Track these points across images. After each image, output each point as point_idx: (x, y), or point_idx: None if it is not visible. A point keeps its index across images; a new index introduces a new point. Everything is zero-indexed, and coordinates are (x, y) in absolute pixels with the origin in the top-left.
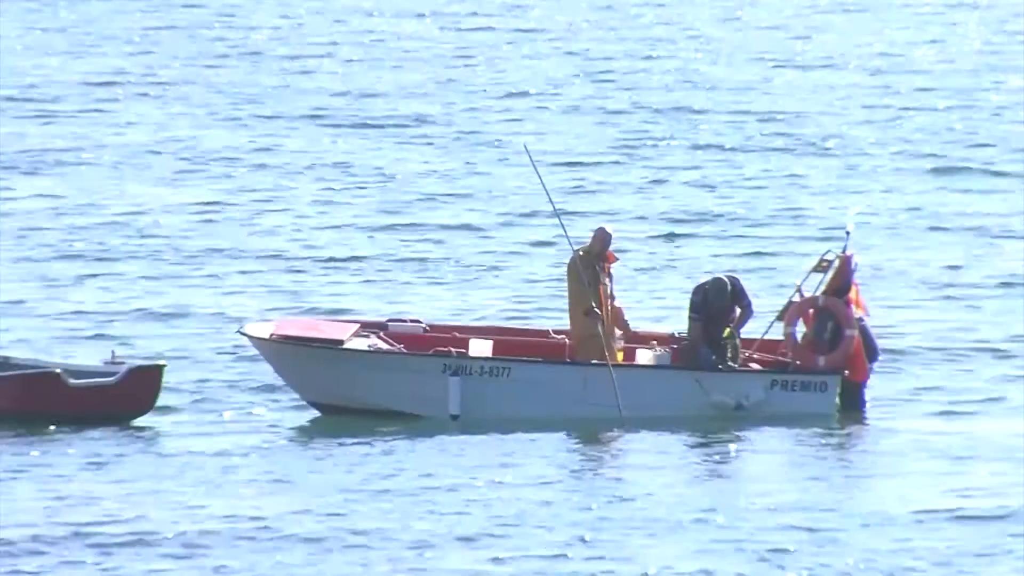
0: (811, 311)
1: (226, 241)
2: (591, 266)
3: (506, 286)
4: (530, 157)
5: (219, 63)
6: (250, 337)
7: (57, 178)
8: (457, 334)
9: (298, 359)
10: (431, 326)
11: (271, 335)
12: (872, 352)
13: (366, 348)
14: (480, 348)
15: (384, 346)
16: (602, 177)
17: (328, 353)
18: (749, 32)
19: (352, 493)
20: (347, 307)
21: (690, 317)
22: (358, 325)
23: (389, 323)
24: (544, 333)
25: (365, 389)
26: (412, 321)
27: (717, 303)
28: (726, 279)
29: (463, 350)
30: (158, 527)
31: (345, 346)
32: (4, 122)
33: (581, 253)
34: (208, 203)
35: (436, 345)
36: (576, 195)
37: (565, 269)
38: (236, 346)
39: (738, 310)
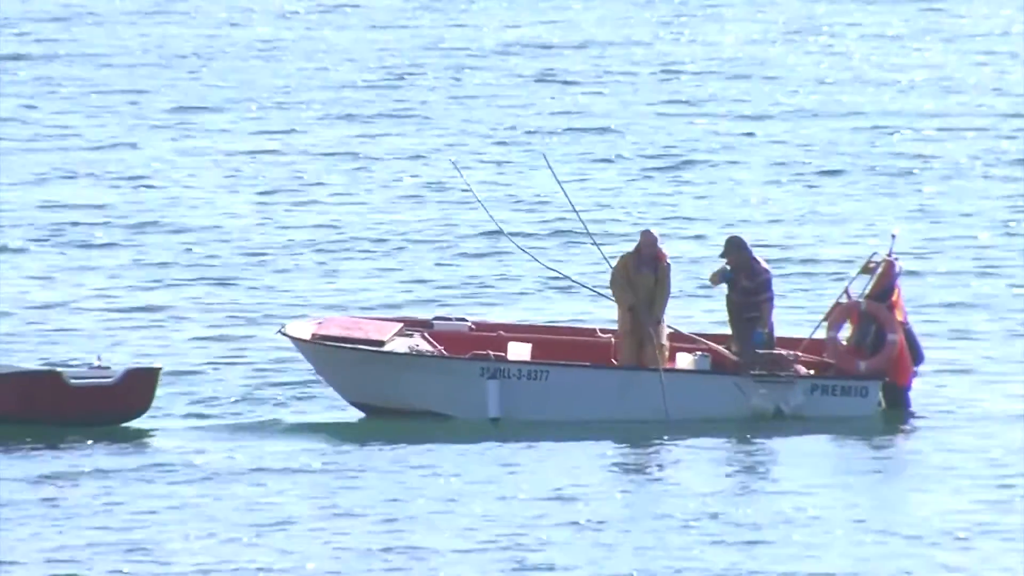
0: (854, 316)
1: (270, 238)
2: (629, 265)
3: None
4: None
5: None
6: (291, 337)
7: (85, 182)
8: (503, 332)
9: (338, 361)
10: (476, 324)
11: (313, 334)
12: (917, 354)
13: (406, 350)
14: (519, 352)
15: (426, 347)
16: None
17: (367, 355)
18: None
19: (393, 494)
20: (394, 304)
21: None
22: (401, 324)
23: (434, 321)
24: (591, 332)
25: (404, 391)
26: (457, 319)
27: (729, 256)
28: (742, 239)
29: (502, 353)
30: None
31: (385, 348)
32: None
33: (625, 254)
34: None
35: (480, 345)
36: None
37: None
38: (278, 346)
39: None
